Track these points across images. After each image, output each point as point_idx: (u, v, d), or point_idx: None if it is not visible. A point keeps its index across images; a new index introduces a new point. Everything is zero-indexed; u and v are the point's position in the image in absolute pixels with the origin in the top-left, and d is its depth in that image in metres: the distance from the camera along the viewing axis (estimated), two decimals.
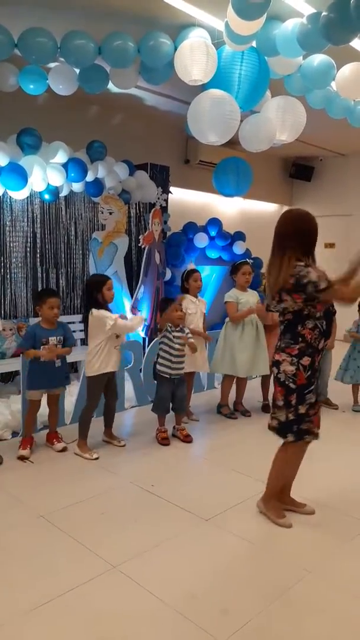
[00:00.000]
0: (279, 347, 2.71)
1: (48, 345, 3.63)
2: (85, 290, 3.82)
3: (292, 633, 2.05)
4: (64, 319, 5.59)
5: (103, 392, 3.87)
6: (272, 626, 2.08)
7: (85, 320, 3.75)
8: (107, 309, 3.70)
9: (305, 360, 2.63)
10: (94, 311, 3.63)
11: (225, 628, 2.05)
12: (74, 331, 5.64)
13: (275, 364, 2.71)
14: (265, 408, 4.83)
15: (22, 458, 3.58)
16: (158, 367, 4.04)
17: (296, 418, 2.67)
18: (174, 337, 3.95)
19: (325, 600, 2.25)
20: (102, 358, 3.69)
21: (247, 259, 5.19)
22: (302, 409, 2.66)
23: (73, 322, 5.71)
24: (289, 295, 2.58)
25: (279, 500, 2.94)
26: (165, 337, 3.97)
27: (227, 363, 4.57)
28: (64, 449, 3.79)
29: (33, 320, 3.98)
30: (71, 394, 4.50)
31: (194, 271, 4.55)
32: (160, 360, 4.03)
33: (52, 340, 3.65)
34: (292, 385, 2.64)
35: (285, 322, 2.68)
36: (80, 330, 5.72)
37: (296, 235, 2.65)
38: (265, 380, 4.88)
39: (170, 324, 3.97)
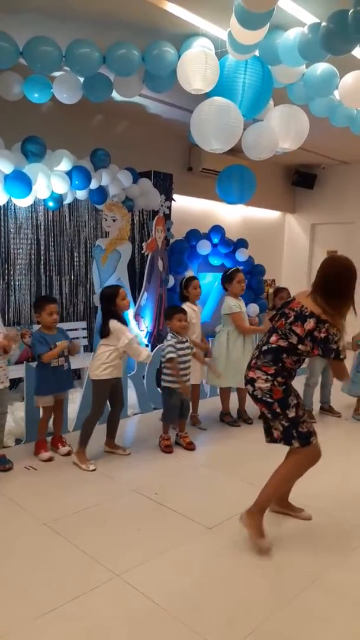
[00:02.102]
0: (255, 364, 2.71)
1: (59, 343, 3.75)
2: (100, 302, 3.88)
3: None
4: (67, 325, 5.65)
5: (109, 399, 3.86)
6: (276, 636, 2.07)
7: (102, 329, 3.74)
8: (122, 319, 3.73)
9: (280, 380, 2.65)
10: (112, 322, 3.65)
11: (229, 637, 2.03)
12: (76, 338, 5.69)
13: (250, 381, 2.71)
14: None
15: (50, 459, 3.70)
16: (169, 384, 3.97)
17: (290, 423, 2.65)
18: (178, 348, 3.94)
19: (330, 610, 2.23)
20: (109, 364, 3.67)
21: (239, 267, 5.18)
22: (290, 413, 2.65)
23: (76, 329, 5.73)
24: (307, 339, 2.59)
25: (279, 504, 2.98)
26: (172, 348, 3.93)
27: (231, 376, 4.48)
28: (68, 453, 3.82)
29: (37, 327, 4.02)
30: (73, 401, 4.50)
31: (193, 278, 4.54)
32: (169, 376, 3.97)
33: (64, 343, 3.78)
34: (269, 400, 2.65)
35: (274, 346, 2.67)
36: (84, 337, 5.74)
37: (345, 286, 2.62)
38: None
39: (176, 334, 3.96)
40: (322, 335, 2.55)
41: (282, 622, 2.14)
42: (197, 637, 2.03)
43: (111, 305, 3.70)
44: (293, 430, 2.66)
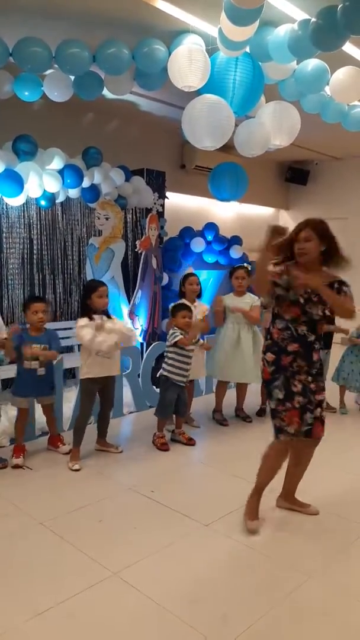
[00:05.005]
0: None
1: (27, 345, 3.62)
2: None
3: (294, 638, 2.05)
4: (61, 325, 5.62)
5: (99, 399, 3.85)
6: (273, 631, 2.08)
7: None
8: (93, 314, 3.64)
9: (269, 357, 2.74)
10: (79, 320, 3.64)
11: (226, 634, 2.04)
12: (69, 337, 5.67)
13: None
14: (260, 412, 4.83)
15: (17, 467, 3.57)
16: (169, 374, 3.96)
17: (271, 411, 2.79)
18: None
19: (327, 605, 2.24)
20: (88, 363, 3.67)
21: (244, 264, 5.17)
22: (272, 404, 2.76)
23: (70, 328, 5.70)
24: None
25: (286, 500, 3.02)
26: (177, 334, 3.91)
27: (229, 370, 4.54)
28: (70, 452, 3.79)
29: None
30: (69, 400, 4.49)
31: (190, 275, 4.54)
32: (171, 367, 3.96)
33: (35, 347, 3.63)
34: (262, 379, 2.84)
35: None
36: None
37: None
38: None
39: (181, 331, 3.94)
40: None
41: (279, 617, 2.15)
42: (194, 632, 2.04)
43: (86, 300, 3.66)
44: (272, 419, 2.79)
